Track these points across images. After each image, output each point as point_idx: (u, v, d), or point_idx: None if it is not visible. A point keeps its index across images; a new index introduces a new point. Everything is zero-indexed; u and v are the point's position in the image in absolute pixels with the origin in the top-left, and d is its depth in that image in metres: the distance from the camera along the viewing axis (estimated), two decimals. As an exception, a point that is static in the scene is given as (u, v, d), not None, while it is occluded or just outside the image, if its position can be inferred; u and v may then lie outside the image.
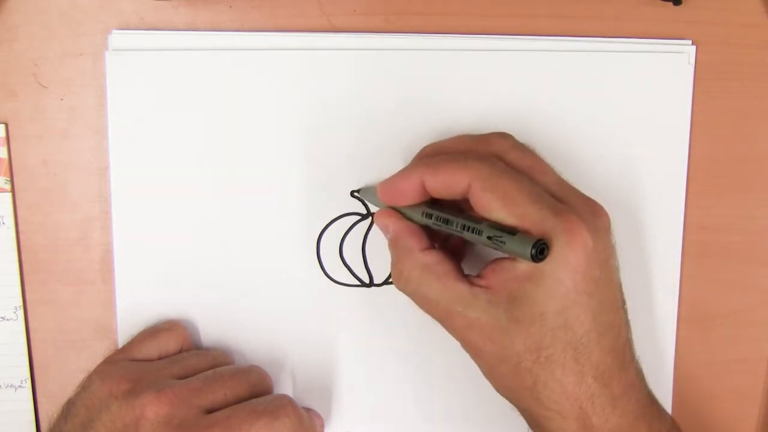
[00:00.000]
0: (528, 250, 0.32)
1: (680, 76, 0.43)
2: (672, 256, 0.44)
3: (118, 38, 0.40)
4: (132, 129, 0.41)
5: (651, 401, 0.37)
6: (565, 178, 0.37)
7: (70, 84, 0.41)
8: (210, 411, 0.35)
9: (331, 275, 0.42)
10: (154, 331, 0.40)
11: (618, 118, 0.42)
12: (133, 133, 0.41)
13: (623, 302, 0.36)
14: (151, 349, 0.39)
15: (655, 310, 0.44)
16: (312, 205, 0.42)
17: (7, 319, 0.41)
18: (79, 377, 0.38)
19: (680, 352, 0.44)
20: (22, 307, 0.42)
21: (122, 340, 0.41)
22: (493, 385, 0.36)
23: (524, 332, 0.33)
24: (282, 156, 0.41)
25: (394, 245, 0.38)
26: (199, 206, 0.41)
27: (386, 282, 0.42)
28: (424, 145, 0.41)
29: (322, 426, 0.42)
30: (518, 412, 0.36)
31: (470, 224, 0.35)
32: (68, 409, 0.36)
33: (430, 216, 0.37)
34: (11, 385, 0.42)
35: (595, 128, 0.42)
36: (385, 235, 0.39)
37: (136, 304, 0.41)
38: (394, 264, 0.37)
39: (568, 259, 0.33)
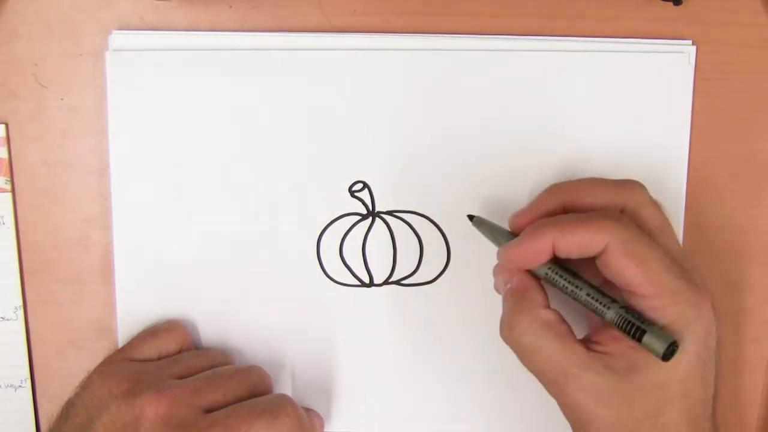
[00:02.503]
0: (661, 350, 0.32)
1: (680, 76, 0.43)
2: (672, 256, 0.43)
3: (118, 38, 0.40)
4: (132, 129, 0.41)
5: None
6: (682, 247, 0.37)
7: (70, 84, 0.41)
8: (209, 411, 0.35)
9: (331, 275, 0.42)
10: (153, 331, 0.40)
11: (618, 118, 0.42)
12: (133, 133, 0.41)
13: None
14: (151, 349, 0.39)
15: (655, 310, 0.44)
16: (312, 205, 0.42)
17: (7, 319, 0.41)
18: (79, 377, 0.38)
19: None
20: (22, 307, 0.42)
21: (122, 340, 0.41)
22: None
23: (645, 399, 0.33)
24: (282, 156, 0.41)
25: (512, 297, 0.36)
26: (199, 206, 0.41)
27: (386, 282, 0.42)
28: (423, 145, 0.41)
29: (322, 426, 0.42)
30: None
31: (599, 298, 0.34)
32: (68, 409, 0.36)
33: (554, 276, 0.36)
34: (11, 385, 0.42)
35: (595, 128, 0.42)
36: (502, 286, 0.38)
37: (136, 304, 0.41)
38: (510, 314, 0.36)
39: (694, 333, 0.33)
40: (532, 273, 0.37)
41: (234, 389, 0.36)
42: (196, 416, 0.34)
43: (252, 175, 0.41)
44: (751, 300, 0.44)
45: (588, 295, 0.35)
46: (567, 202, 0.37)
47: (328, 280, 0.42)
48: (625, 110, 0.42)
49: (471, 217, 0.40)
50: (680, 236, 0.43)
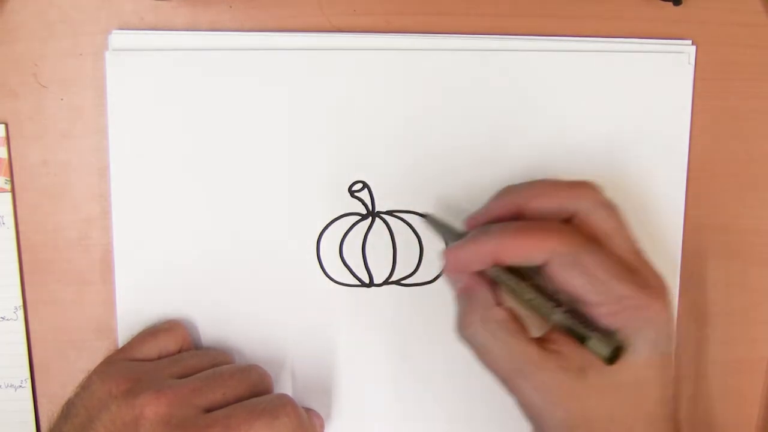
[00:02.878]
0: (605, 354, 0.32)
1: (680, 76, 0.43)
2: (672, 256, 0.43)
3: (118, 38, 0.40)
4: (132, 129, 0.41)
5: None
6: (639, 246, 0.36)
7: (70, 84, 0.41)
8: (209, 410, 0.35)
9: (331, 275, 0.42)
10: (153, 331, 0.40)
11: (618, 118, 0.42)
12: (133, 133, 0.41)
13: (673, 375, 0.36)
14: (151, 349, 0.39)
15: (655, 310, 0.44)
16: (312, 205, 0.42)
17: (7, 319, 0.41)
18: (79, 377, 0.38)
19: (680, 352, 0.44)
20: (22, 307, 0.42)
21: (122, 340, 0.41)
22: None
23: (598, 400, 0.34)
24: (282, 156, 0.41)
25: (464, 297, 0.37)
26: (199, 206, 0.41)
27: (386, 282, 0.42)
28: (423, 145, 0.41)
29: (322, 426, 0.42)
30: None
31: (543, 303, 0.35)
32: (68, 409, 0.36)
33: (501, 278, 0.36)
34: (11, 385, 0.42)
35: (594, 128, 0.42)
36: (454, 284, 0.38)
37: (136, 304, 0.41)
38: (464, 314, 0.36)
39: (646, 336, 0.33)
40: (483, 272, 0.37)
41: (234, 389, 0.36)
42: (196, 416, 0.34)
43: (252, 174, 0.41)
44: (751, 300, 0.44)
45: (533, 299, 0.35)
46: (520, 205, 0.37)
47: (328, 280, 0.42)
48: (625, 110, 0.42)
49: (424, 216, 0.40)
50: (680, 236, 0.43)
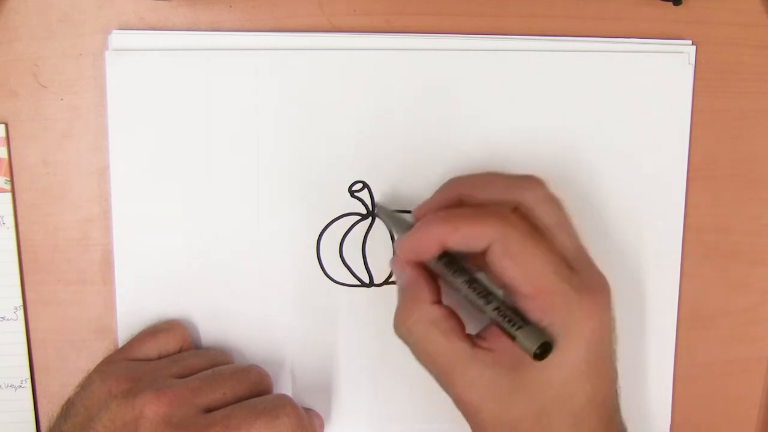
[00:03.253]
0: (532, 350, 0.32)
1: (680, 76, 0.43)
2: (672, 257, 0.43)
3: (118, 38, 0.40)
4: (132, 129, 0.41)
5: None
6: (582, 243, 0.36)
7: (70, 84, 0.41)
8: (209, 410, 0.35)
9: (331, 275, 0.42)
10: (153, 331, 0.40)
11: (618, 118, 0.42)
12: (133, 133, 0.41)
13: (616, 374, 0.36)
14: (151, 349, 0.39)
15: (656, 310, 0.44)
16: (312, 205, 0.42)
17: (7, 319, 0.41)
18: (79, 377, 0.38)
19: (680, 352, 0.44)
20: (22, 307, 0.42)
21: (122, 340, 0.41)
22: None
23: (527, 398, 0.34)
24: (282, 156, 0.41)
25: (404, 291, 0.37)
26: (199, 206, 0.41)
27: (386, 282, 0.42)
28: (423, 145, 0.41)
29: (322, 426, 0.42)
30: None
31: (478, 296, 0.35)
32: (68, 408, 0.36)
33: (441, 270, 0.36)
34: (11, 385, 0.42)
35: (594, 128, 0.42)
36: (398, 278, 0.38)
37: (136, 304, 0.41)
38: (400, 310, 0.36)
39: (577, 334, 0.33)
40: (427, 267, 0.37)
41: (234, 389, 0.36)
42: (196, 416, 0.34)
43: (252, 175, 0.41)
44: (751, 300, 0.44)
45: (469, 291, 0.35)
46: (465, 196, 0.37)
47: (328, 280, 0.42)
48: (625, 110, 0.42)
49: (374, 207, 0.40)
50: (680, 236, 0.43)
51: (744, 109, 0.43)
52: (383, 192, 0.42)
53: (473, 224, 0.34)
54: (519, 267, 0.33)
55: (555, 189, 0.37)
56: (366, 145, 0.42)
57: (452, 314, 0.36)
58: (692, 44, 0.42)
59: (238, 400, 0.36)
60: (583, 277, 0.34)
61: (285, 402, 0.36)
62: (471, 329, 0.36)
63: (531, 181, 0.36)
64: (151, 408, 0.34)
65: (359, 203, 0.42)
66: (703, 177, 0.43)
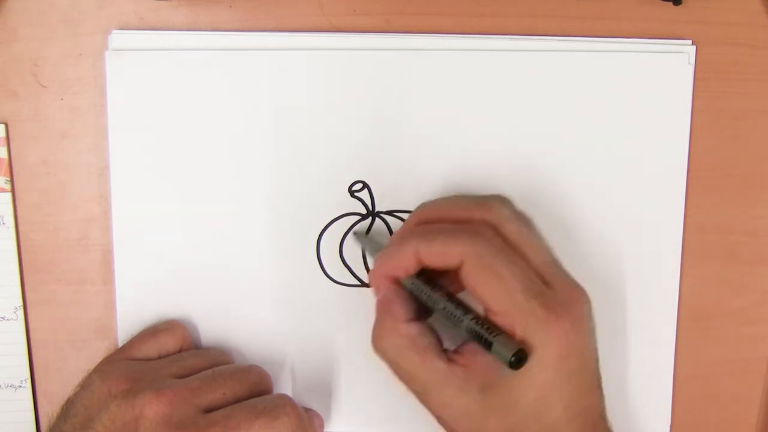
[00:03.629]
0: (507, 358, 0.32)
1: (680, 76, 0.43)
2: (672, 257, 0.43)
3: (118, 38, 0.40)
4: (132, 129, 0.41)
5: None
6: (555, 255, 0.36)
7: (70, 84, 0.41)
8: (209, 410, 0.35)
9: (331, 275, 0.42)
10: (153, 331, 0.40)
11: (618, 118, 0.42)
12: (133, 133, 0.41)
13: (598, 382, 0.36)
14: (151, 349, 0.39)
15: (655, 309, 0.44)
16: (312, 205, 0.42)
17: (7, 319, 0.41)
18: (79, 377, 0.38)
19: (680, 352, 0.44)
20: (22, 307, 0.42)
21: (122, 340, 0.41)
22: None
23: (498, 416, 0.34)
24: (282, 156, 0.41)
25: (380, 309, 0.37)
26: (199, 206, 0.41)
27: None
28: (423, 145, 0.41)
29: (322, 426, 0.42)
30: None
31: (453, 310, 0.35)
32: (67, 408, 0.36)
33: (417, 288, 0.36)
34: (11, 385, 0.42)
35: (594, 128, 0.42)
36: (374, 294, 0.38)
37: (136, 304, 0.41)
38: (376, 328, 0.37)
39: (547, 353, 0.33)
40: (402, 285, 0.37)
41: (234, 389, 0.36)
42: (196, 416, 0.34)
43: (252, 175, 0.41)
44: (751, 300, 0.44)
45: (445, 308, 0.35)
46: (435, 220, 0.37)
47: (328, 280, 0.42)
48: (625, 110, 0.42)
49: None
50: (680, 236, 0.43)
51: (744, 109, 0.43)
52: (383, 192, 0.42)
53: (447, 240, 0.35)
54: (490, 283, 0.34)
55: (522, 206, 0.37)
56: (366, 145, 0.42)
57: (428, 331, 0.36)
58: (692, 44, 0.42)
59: (238, 400, 0.36)
60: (556, 292, 0.34)
61: (285, 402, 0.36)
62: (449, 346, 0.36)
63: (492, 202, 0.37)
64: (151, 408, 0.34)
65: (359, 203, 0.42)
66: (703, 177, 0.43)
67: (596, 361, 0.36)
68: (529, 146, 0.42)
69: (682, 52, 0.42)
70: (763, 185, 0.44)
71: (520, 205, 0.39)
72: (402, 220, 0.42)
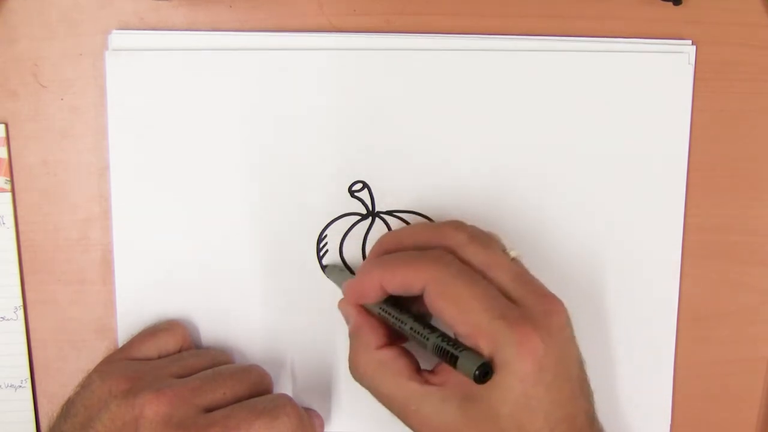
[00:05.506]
0: (472, 372, 0.32)
1: (680, 76, 0.43)
2: (672, 257, 0.43)
3: (118, 38, 0.40)
4: (132, 129, 0.41)
5: None
6: (522, 269, 0.36)
7: (70, 84, 0.41)
8: (209, 410, 0.35)
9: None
10: (153, 331, 0.40)
11: (618, 118, 0.42)
12: (133, 133, 0.41)
13: (583, 387, 0.36)
14: (151, 349, 0.39)
15: (655, 310, 0.44)
16: (312, 205, 0.42)
17: (7, 319, 0.41)
18: (79, 377, 0.38)
19: (680, 352, 0.44)
20: (22, 307, 0.42)
21: (122, 340, 0.41)
22: None
23: (479, 430, 0.34)
24: (282, 156, 0.41)
25: (352, 337, 0.38)
26: (199, 206, 0.41)
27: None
28: (423, 145, 0.41)
29: (322, 426, 0.42)
30: None
31: (420, 331, 0.35)
32: (68, 408, 0.36)
33: (386, 313, 0.37)
34: (11, 385, 0.42)
35: (594, 128, 0.42)
36: (346, 323, 0.39)
37: (136, 304, 0.41)
38: (351, 356, 0.38)
39: (518, 369, 0.33)
40: (370, 312, 0.38)
41: (234, 389, 0.36)
42: (196, 415, 0.34)
43: (252, 175, 0.41)
44: (751, 300, 0.44)
45: (411, 329, 0.35)
46: (397, 247, 0.38)
47: (329, 280, 0.42)
48: (625, 110, 0.42)
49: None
50: (680, 236, 0.43)
51: (744, 109, 0.43)
52: (383, 192, 0.42)
53: (408, 267, 0.35)
54: (453, 307, 0.34)
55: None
56: (366, 145, 0.42)
57: (402, 354, 0.36)
58: (692, 44, 0.42)
59: (238, 400, 0.36)
60: (524, 307, 0.34)
61: (285, 402, 0.36)
62: (427, 367, 0.37)
63: (448, 227, 0.37)
64: (151, 408, 0.34)
65: (359, 203, 0.42)
66: (703, 177, 0.43)
67: (579, 367, 0.35)
68: (529, 146, 0.42)
69: (682, 52, 0.42)
70: (763, 185, 0.44)
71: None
72: (402, 220, 0.42)
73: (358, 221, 0.42)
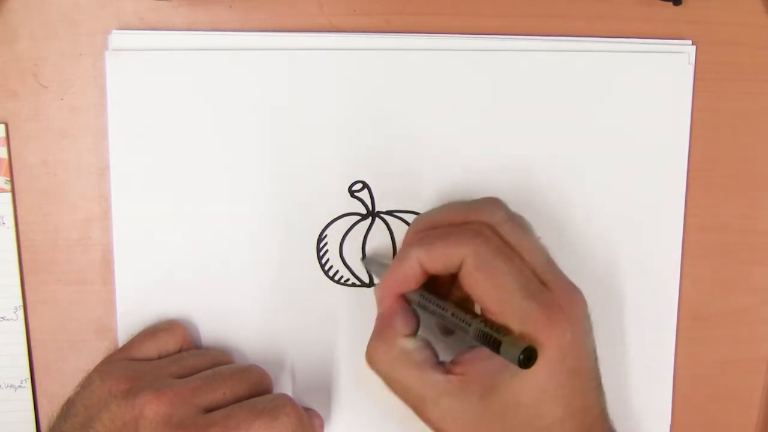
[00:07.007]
0: (516, 357, 0.32)
1: (680, 76, 0.43)
2: (672, 256, 0.43)
3: (118, 38, 0.40)
4: (132, 129, 0.41)
5: None
6: (550, 256, 0.36)
7: (70, 84, 0.41)
8: (209, 410, 0.35)
9: (331, 275, 0.42)
10: (153, 331, 0.40)
11: (618, 118, 0.42)
12: (133, 133, 0.41)
13: (597, 381, 0.36)
14: (151, 349, 0.39)
15: (655, 309, 0.44)
16: (312, 205, 0.42)
17: (7, 319, 0.41)
18: (79, 377, 0.38)
19: (680, 352, 0.44)
20: (22, 307, 0.42)
21: (122, 340, 0.41)
22: None
23: (499, 421, 0.34)
24: (282, 156, 0.41)
25: (381, 321, 0.37)
26: (199, 206, 0.41)
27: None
28: (423, 145, 0.41)
29: (322, 426, 0.42)
30: None
31: (462, 316, 0.35)
32: (68, 408, 0.36)
33: (426, 300, 0.37)
34: (11, 385, 0.42)
35: (594, 128, 0.42)
36: (377, 307, 0.38)
37: (136, 304, 0.41)
38: (373, 340, 0.37)
39: (545, 354, 0.33)
40: (407, 299, 0.37)
41: (234, 389, 0.36)
42: (196, 415, 0.34)
43: (252, 174, 0.41)
44: (751, 300, 0.44)
45: (453, 315, 0.35)
46: (432, 228, 0.37)
47: (328, 280, 0.42)
48: (626, 110, 0.42)
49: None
50: (680, 236, 0.43)
51: (744, 109, 0.43)
52: (383, 192, 0.42)
53: (447, 242, 0.35)
54: (488, 282, 0.34)
55: (522, 206, 0.38)
56: (366, 145, 0.42)
57: (425, 346, 0.36)
58: (692, 44, 0.43)
59: (238, 400, 0.36)
60: (553, 292, 0.34)
61: (285, 402, 0.36)
62: (445, 359, 0.37)
63: (485, 204, 0.37)
64: (151, 408, 0.34)
65: (359, 203, 0.42)
66: (703, 177, 0.43)
67: (594, 360, 0.36)
68: (529, 146, 0.42)
69: (682, 52, 0.42)
70: (763, 185, 0.44)
71: (521, 204, 0.39)
72: (402, 220, 0.42)
73: (358, 221, 0.42)
